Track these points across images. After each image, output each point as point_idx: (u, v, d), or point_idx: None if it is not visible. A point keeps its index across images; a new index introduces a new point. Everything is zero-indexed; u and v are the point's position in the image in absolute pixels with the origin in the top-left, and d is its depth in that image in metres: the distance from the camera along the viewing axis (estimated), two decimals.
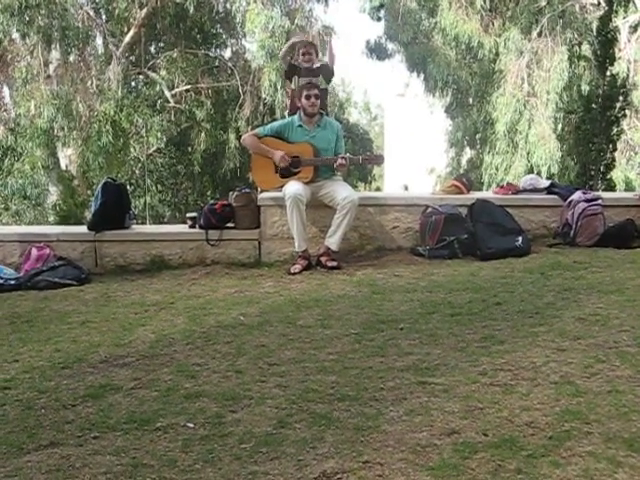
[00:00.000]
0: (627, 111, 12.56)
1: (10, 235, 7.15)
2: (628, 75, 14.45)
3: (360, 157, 7.22)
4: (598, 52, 12.02)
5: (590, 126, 11.56)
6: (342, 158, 6.48)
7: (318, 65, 7.91)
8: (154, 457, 2.82)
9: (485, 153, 19.77)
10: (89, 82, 18.29)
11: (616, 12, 15.05)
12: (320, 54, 8.31)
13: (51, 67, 18.09)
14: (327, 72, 7.98)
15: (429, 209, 6.63)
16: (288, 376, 3.62)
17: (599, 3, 16.19)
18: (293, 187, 6.36)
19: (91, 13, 18.52)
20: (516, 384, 3.33)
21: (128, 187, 9.41)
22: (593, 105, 11.65)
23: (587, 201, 6.62)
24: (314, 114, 6.64)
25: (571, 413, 2.98)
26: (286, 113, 8.92)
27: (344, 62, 28.72)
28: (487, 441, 2.79)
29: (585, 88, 13.48)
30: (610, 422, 2.89)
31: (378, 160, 7.27)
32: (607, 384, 3.27)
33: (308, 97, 6.58)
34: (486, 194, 8.19)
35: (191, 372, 3.76)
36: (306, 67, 7.76)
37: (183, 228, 7.20)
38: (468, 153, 25.56)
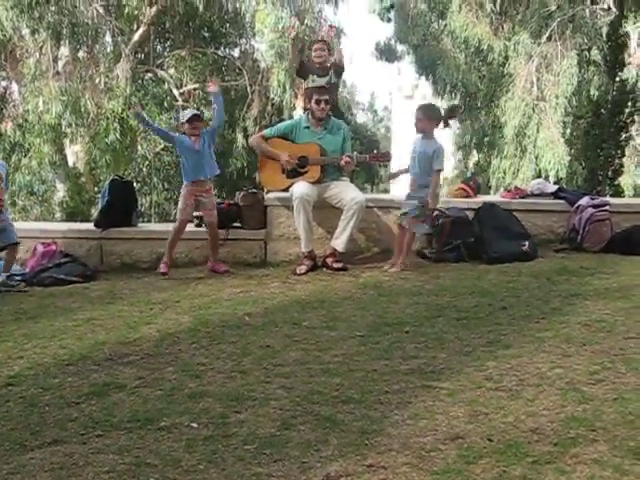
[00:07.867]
0: (636, 117, 12.51)
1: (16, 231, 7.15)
2: (637, 81, 14.35)
3: (367, 155, 7.16)
4: (608, 57, 12.02)
5: (599, 131, 11.54)
6: (348, 157, 6.46)
7: (329, 61, 7.93)
8: (157, 456, 2.81)
9: (493, 157, 19.72)
10: (97, 79, 18.28)
11: (626, 17, 15.02)
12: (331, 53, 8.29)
13: (60, 63, 18.09)
14: (337, 67, 7.96)
15: (436, 212, 6.61)
16: (293, 377, 3.61)
17: (609, 8, 16.13)
18: (300, 188, 6.36)
19: (101, 10, 18.48)
20: (522, 389, 3.32)
21: (135, 185, 9.40)
22: (602, 110, 11.63)
23: (595, 206, 6.61)
24: (322, 119, 6.64)
25: (577, 420, 2.96)
26: (294, 113, 8.91)
27: (351, 64, 28.70)
28: (492, 447, 2.78)
29: (594, 93, 13.40)
30: (616, 429, 2.87)
31: (385, 157, 7.14)
32: (613, 391, 3.25)
33: (318, 102, 6.58)
34: (493, 198, 8.17)
35: (195, 372, 3.76)
36: (318, 62, 7.78)
37: (189, 227, 7.18)
38: (475, 156, 25.49)
